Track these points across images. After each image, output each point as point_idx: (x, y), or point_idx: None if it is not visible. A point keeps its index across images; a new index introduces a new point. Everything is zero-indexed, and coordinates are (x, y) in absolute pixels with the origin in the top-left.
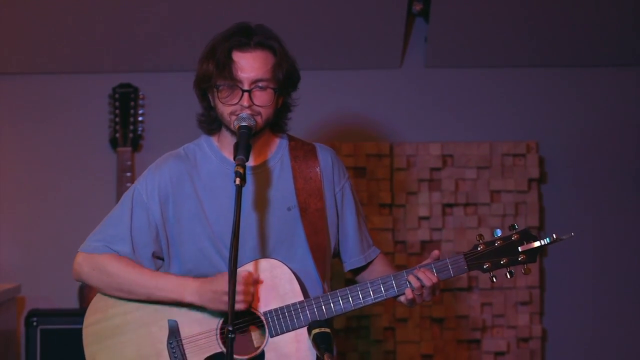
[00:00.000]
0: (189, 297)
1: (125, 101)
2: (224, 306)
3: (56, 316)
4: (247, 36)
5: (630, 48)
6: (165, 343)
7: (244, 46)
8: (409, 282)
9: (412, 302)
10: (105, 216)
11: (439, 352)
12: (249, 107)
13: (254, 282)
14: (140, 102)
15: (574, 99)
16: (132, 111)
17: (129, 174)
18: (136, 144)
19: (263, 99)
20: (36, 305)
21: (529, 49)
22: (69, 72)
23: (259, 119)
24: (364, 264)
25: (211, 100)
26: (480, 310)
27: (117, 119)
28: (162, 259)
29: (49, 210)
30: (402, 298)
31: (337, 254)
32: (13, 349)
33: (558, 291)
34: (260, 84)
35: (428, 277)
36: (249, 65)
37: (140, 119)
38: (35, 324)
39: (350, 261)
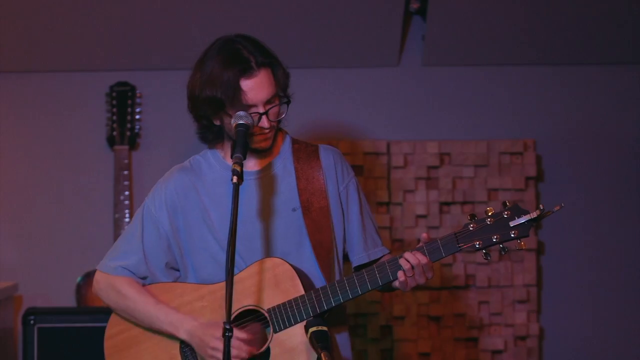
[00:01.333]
0: (182, 334)
1: (122, 99)
2: (207, 357)
3: (53, 314)
4: (245, 61)
5: (626, 46)
6: (179, 349)
7: (248, 71)
8: (400, 264)
9: (404, 284)
10: (103, 215)
11: (436, 350)
12: (270, 127)
13: (248, 341)
14: (138, 100)
15: (571, 97)
16: (129, 109)
17: (126, 172)
18: (133, 142)
19: (277, 113)
20: (33, 303)
21: (526, 47)
22: (66, 70)
23: (272, 131)
24: (367, 261)
25: (219, 121)
26: (478, 308)
27: (115, 117)
28: (178, 270)
29: (46, 209)
30: (396, 283)
31: (346, 255)
32: (10, 347)
33: (555, 289)
34: (271, 102)
35: (417, 258)
36: (259, 89)
37: (137, 117)
38: (32, 322)
39: (354, 258)
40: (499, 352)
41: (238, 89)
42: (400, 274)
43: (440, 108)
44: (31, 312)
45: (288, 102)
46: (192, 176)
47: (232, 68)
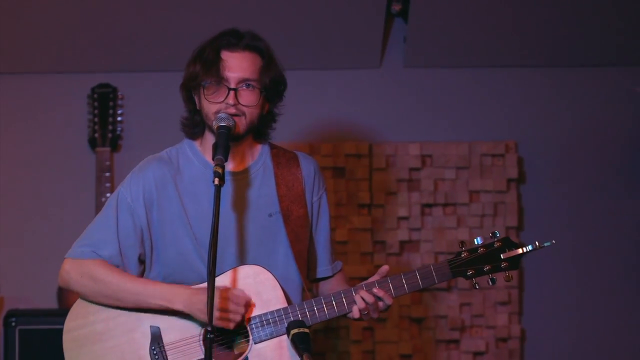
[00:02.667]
0: (178, 305)
1: (104, 101)
2: (215, 321)
3: (35, 316)
4: (236, 37)
5: (609, 48)
6: (148, 349)
7: (232, 46)
8: (356, 300)
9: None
10: (84, 217)
11: (418, 352)
12: (234, 105)
13: (244, 298)
14: (119, 102)
15: (553, 99)
16: (111, 111)
17: (107, 174)
18: (115, 144)
19: (249, 98)
20: (15, 305)
21: (508, 50)
22: (47, 71)
23: (243, 119)
24: (330, 274)
25: (197, 101)
26: (459, 310)
27: (96, 119)
28: (144, 262)
29: (28, 210)
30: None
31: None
32: None
33: (537, 291)
34: (246, 84)
35: (372, 296)
36: (237, 64)
37: (119, 119)
38: (13, 324)
39: (318, 270)
40: (480, 353)
41: (217, 58)
42: (355, 309)
43: (422, 110)
44: (12, 314)
45: (263, 92)
46: (170, 169)
47: (219, 40)
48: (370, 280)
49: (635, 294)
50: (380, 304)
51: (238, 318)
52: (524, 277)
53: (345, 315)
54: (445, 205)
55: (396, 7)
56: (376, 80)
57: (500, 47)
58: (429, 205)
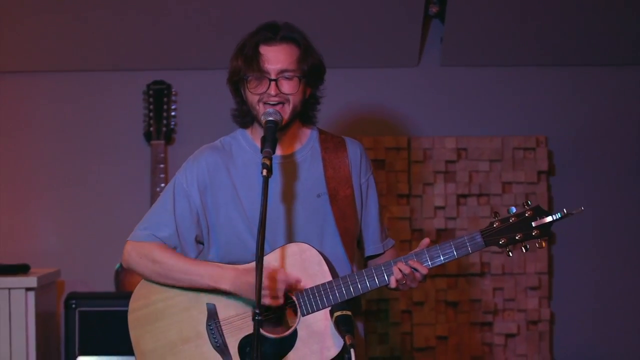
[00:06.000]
0: (224, 285)
1: (158, 97)
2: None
3: (93, 299)
4: (273, 31)
5: (635, 48)
6: (205, 325)
7: (269, 40)
8: (393, 271)
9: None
10: (140, 205)
11: (453, 333)
12: (276, 95)
13: (284, 276)
14: (173, 98)
15: (582, 97)
16: (165, 106)
17: (162, 166)
18: (169, 137)
19: (289, 87)
20: (75, 288)
21: (539, 49)
22: (107, 69)
23: (286, 107)
24: (381, 252)
25: (242, 93)
26: (492, 294)
27: (151, 114)
28: (203, 244)
29: (87, 199)
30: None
31: (358, 242)
32: (54, 329)
33: (565, 277)
34: (286, 74)
35: (409, 267)
36: (275, 57)
37: (172, 113)
38: (74, 306)
39: (369, 248)
40: (512, 335)
41: (256, 53)
42: (392, 279)
43: (457, 106)
44: (73, 296)
45: (303, 79)
46: (223, 156)
47: (257, 36)
48: (411, 252)
49: None
50: (417, 274)
51: (275, 294)
52: (554, 264)
53: (386, 287)
54: (479, 195)
55: (433, 9)
56: (414, 78)
57: (531, 47)
58: (464, 196)
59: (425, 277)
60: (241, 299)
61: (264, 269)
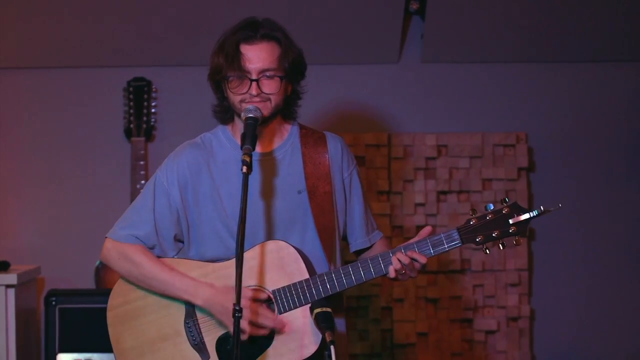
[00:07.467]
0: (198, 302)
1: (139, 94)
2: (228, 322)
3: (74, 296)
4: (253, 29)
5: (616, 44)
6: (183, 323)
7: (250, 39)
8: (393, 261)
9: (396, 279)
10: (120, 202)
11: (434, 330)
12: (258, 95)
13: (258, 303)
14: (153, 94)
15: (562, 93)
16: (145, 103)
17: (142, 162)
18: (149, 134)
19: (271, 87)
20: (55, 285)
21: (519, 46)
22: (87, 66)
23: (268, 104)
24: (368, 245)
25: (224, 91)
26: (472, 291)
27: (132, 111)
28: (182, 242)
29: (67, 196)
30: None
31: (344, 237)
32: (34, 326)
33: (545, 274)
34: (267, 74)
35: (407, 258)
36: (256, 56)
37: (153, 110)
38: (54, 303)
39: (356, 242)
40: (492, 332)
41: (237, 52)
42: (391, 269)
43: (438, 102)
44: (53, 293)
45: (284, 78)
46: (203, 152)
47: (237, 34)
48: (412, 242)
49: None
50: (416, 264)
51: (262, 332)
52: (534, 261)
53: (384, 276)
54: (459, 192)
55: (414, 6)
56: (395, 74)
57: (511, 44)
58: (444, 193)
59: (424, 266)
60: None
61: (246, 299)
